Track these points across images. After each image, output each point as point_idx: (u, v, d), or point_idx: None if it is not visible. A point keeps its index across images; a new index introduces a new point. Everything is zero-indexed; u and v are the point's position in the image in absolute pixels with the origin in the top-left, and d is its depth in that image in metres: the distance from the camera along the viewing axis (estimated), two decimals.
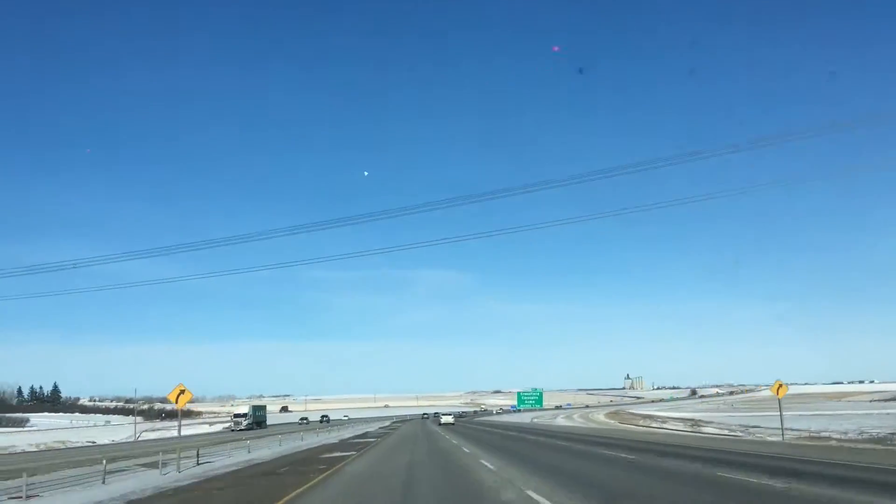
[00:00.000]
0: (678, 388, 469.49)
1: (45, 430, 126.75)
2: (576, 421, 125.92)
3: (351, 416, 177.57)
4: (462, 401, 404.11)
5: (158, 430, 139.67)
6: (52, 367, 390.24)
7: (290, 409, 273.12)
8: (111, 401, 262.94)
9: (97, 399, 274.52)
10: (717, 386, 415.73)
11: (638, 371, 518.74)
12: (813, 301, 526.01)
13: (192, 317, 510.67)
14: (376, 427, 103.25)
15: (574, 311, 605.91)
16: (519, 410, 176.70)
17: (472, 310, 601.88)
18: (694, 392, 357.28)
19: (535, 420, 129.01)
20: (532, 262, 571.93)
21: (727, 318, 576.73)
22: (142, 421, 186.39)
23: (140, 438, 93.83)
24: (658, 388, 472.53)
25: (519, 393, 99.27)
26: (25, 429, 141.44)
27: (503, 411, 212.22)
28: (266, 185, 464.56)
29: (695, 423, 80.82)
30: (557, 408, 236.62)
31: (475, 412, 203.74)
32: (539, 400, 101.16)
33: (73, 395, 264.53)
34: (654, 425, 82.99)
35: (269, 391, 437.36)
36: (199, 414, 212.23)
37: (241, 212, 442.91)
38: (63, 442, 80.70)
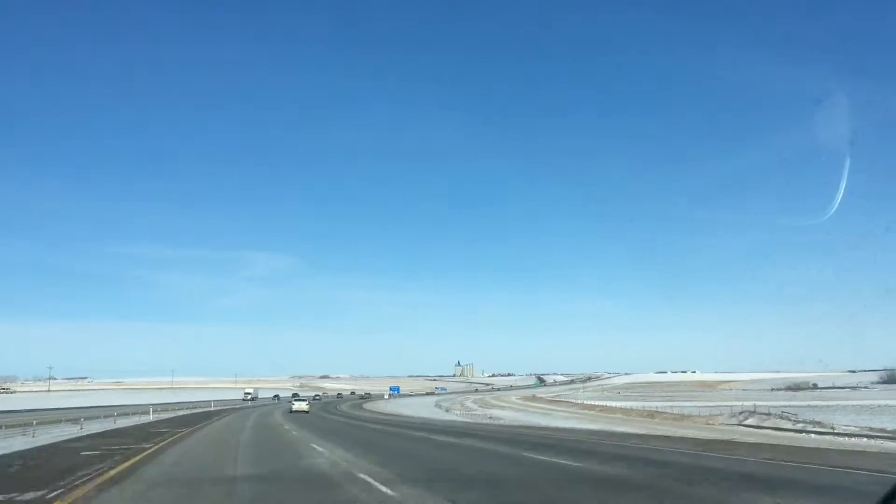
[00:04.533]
0: (512, 374, 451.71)
1: None
2: (535, 413, 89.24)
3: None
4: (290, 384, 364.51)
5: None
6: None
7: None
8: None
9: None
10: (556, 374, 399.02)
11: (466, 359, 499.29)
12: (639, 296, 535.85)
13: None
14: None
15: (400, 299, 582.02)
16: (397, 395, 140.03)
17: (297, 294, 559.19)
18: (542, 379, 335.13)
19: (451, 412, 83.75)
20: (358, 249, 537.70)
21: (541, 309, 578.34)
22: None
23: None
24: (493, 375, 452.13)
25: None
26: None
27: (364, 396, 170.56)
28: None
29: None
30: (430, 394, 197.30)
31: (360, 396, 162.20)
32: None
33: None
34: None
35: (65, 372, 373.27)
36: None
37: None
38: None
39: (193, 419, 55.25)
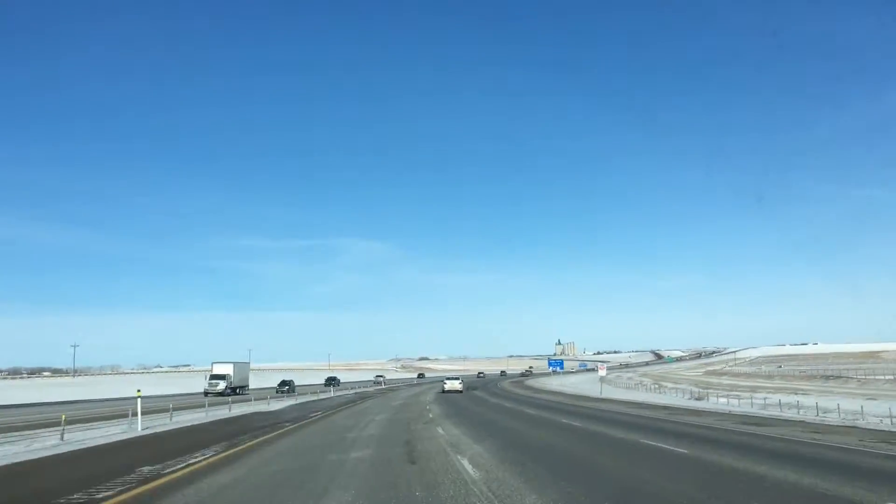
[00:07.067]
0: (618, 351, 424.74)
1: None
2: None
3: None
4: (389, 367, 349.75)
5: None
6: None
7: None
8: None
9: None
10: (671, 350, 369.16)
11: (564, 338, 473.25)
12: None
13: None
14: None
15: (494, 281, 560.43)
16: (557, 372, 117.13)
17: (394, 279, 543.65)
18: (658, 355, 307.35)
19: (707, 400, 66.40)
20: (451, 233, 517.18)
21: (639, 287, 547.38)
22: None
23: None
24: (598, 353, 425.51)
25: None
26: None
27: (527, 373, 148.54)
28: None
29: None
30: (578, 371, 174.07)
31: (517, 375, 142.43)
32: None
33: None
34: None
35: (169, 361, 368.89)
36: None
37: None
38: None
39: None
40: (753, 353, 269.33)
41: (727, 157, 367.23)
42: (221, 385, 64.38)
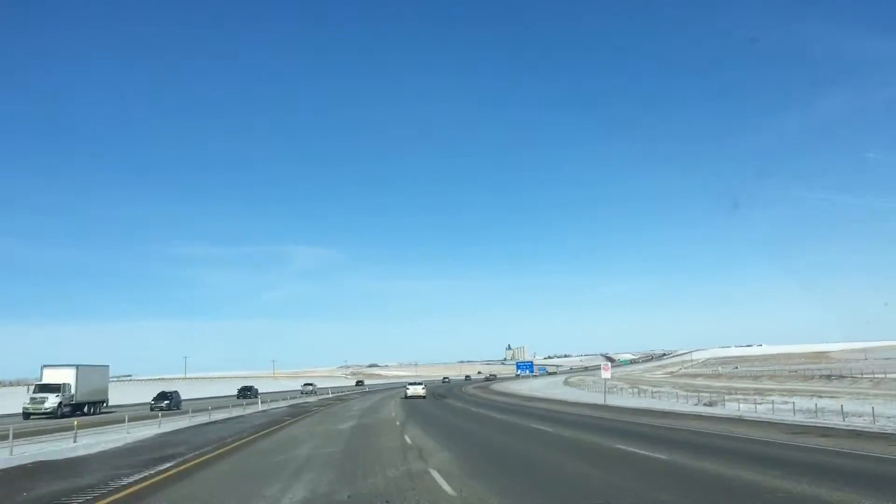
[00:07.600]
0: (568, 355, 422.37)
1: None
2: None
3: None
4: (339, 374, 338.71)
5: None
6: None
7: None
8: None
9: None
10: (621, 353, 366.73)
11: (514, 343, 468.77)
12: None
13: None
14: None
15: (444, 287, 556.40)
16: (526, 375, 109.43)
17: (342, 286, 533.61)
18: (610, 358, 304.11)
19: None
20: (399, 239, 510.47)
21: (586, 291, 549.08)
22: None
23: None
24: (548, 357, 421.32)
25: None
26: None
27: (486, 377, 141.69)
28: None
29: None
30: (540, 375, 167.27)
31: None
32: None
33: None
34: None
35: (114, 371, 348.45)
36: None
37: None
38: None
39: None
40: (704, 355, 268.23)
41: (677, 163, 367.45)
42: (52, 401, 44.78)
